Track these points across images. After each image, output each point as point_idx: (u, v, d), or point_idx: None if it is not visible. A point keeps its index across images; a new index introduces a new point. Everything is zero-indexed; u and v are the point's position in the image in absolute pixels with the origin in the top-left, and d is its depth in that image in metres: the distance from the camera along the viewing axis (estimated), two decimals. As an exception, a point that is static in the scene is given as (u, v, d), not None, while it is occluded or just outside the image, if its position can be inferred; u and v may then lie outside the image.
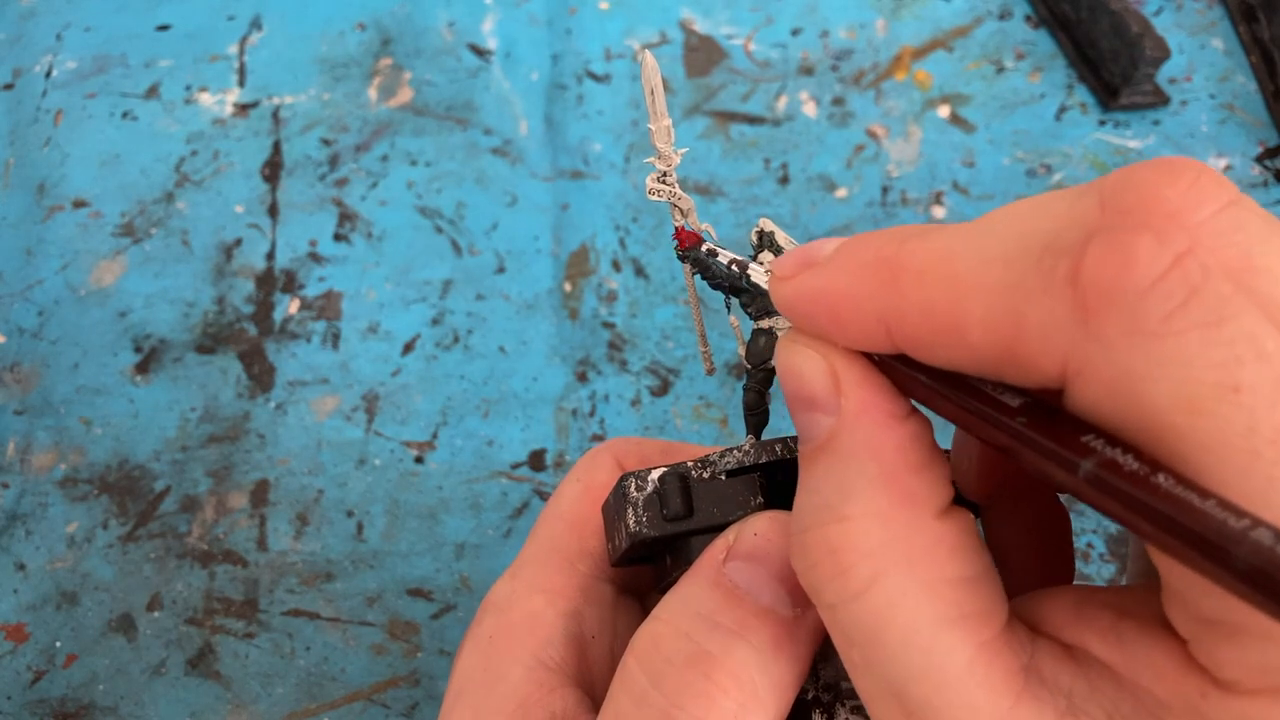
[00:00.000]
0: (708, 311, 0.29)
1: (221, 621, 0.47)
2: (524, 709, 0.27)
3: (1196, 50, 0.61)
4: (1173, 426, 0.15)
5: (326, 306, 0.55)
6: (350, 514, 0.49)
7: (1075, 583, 0.46)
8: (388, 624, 0.47)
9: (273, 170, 0.59)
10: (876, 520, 0.20)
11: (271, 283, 0.56)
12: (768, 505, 0.25)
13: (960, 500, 0.21)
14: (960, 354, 0.19)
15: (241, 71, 0.63)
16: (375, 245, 0.57)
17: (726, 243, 0.29)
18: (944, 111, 0.60)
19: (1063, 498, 0.27)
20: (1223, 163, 0.57)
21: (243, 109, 0.62)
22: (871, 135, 0.60)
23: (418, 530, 0.49)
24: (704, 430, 0.51)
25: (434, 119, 0.61)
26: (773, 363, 0.28)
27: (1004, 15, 0.64)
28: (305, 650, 0.46)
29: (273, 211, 0.58)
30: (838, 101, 0.61)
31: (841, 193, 0.58)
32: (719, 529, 0.25)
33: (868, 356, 0.21)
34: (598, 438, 0.51)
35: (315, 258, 0.57)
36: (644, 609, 0.33)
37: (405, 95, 0.62)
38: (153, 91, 0.62)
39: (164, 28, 0.65)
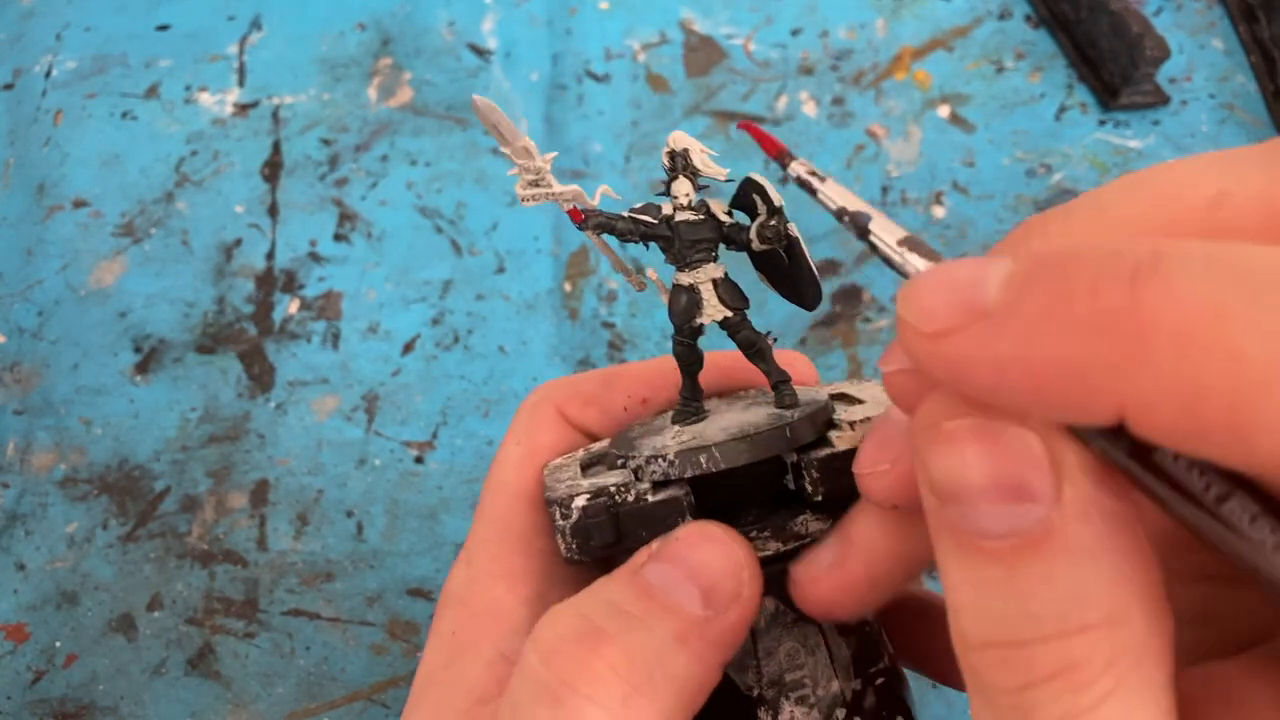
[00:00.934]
0: (620, 249, 0.28)
1: (221, 621, 0.47)
2: (483, 704, 0.26)
3: (1196, 50, 0.61)
4: None
5: (326, 306, 0.55)
6: (350, 514, 0.49)
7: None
8: (388, 624, 0.47)
9: (273, 170, 0.59)
10: (1116, 627, 0.17)
11: (271, 283, 0.56)
12: (714, 515, 0.25)
13: None
14: (1235, 459, 0.14)
15: (241, 71, 0.63)
16: (375, 245, 0.57)
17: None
18: (944, 111, 0.60)
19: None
20: (1223, 163, 0.57)
21: (243, 109, 0.62)
22: (871, 135, 0.60)
23: (418, 530, 0.49)
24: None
25: (434, 119, 0.61)
26: (699, 321, 0.27)
27: (1004, 15, 0.64)
28: (305, 650, 0.46)
29: (273, 211, 0.58)
30: (838, 101, 0.61)
31: (841, 193, 0.58)
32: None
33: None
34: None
35: (315, 258, 0.57)
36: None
37: (405, 95, 0.62)
38: (153, 91, 0.62)
39: (164, 28, 0.65)
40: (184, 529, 0.49)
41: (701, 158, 0.27)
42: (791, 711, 0.25)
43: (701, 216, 0.27)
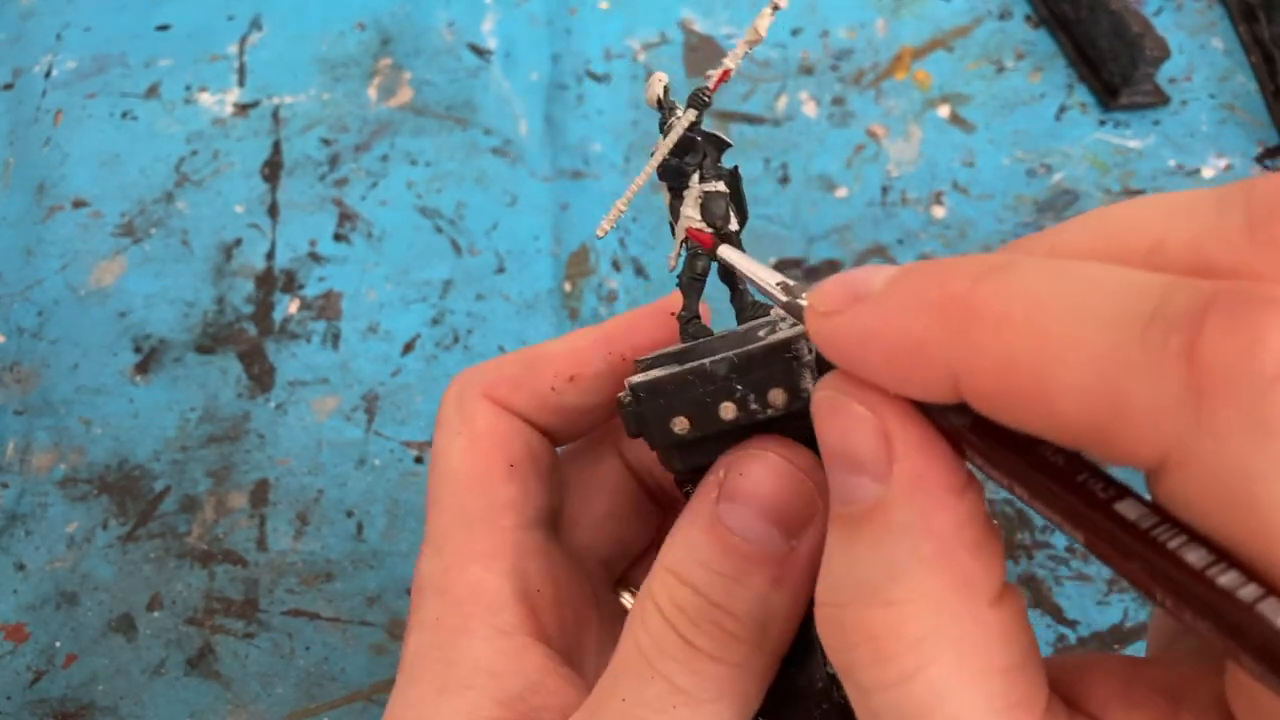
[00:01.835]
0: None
1: (221, 621, 0.47)
2: (496, 679, 0.27)
3: (1196, 50, 0.61)
4: None
5: (326, 306, 0.55)
6: (350, 514, 0.49)
7: (1072, 579, 0.46)
8: (388, 624, 0.47)
9: (273, 170, 0.59)
10: (927, 607, 0.18)
11: (271, 283, 0.56)
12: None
13: None
14: (1041, 420, 0.16)
15: (241, 71, 0.63)
16: (375, 245, 0.57)
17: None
18: (944, 111, 0.60)
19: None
20: (1223, 163, 0.57)
21: (243, 109, 0.62)
22: (871, 135, 0.60)
23: (417, 530, 0.49)
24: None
25: (434, 119, 0.61)
26: (730, 227, 0.28)
27: (1004, 15, 0.64)
28: (305, 650, 0.46)
29: (273, 211, 0.58)
30: (838, 101, 0.61)
31: (841, 192, 0.58)
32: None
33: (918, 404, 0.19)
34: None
35: (315, 258, 0.57)
36: (570, 545, 0.32)
37: (405, 95, 0.62)
38: (153, 91, 0.62)
39: (164, 28, 0.65)
40: (184, 529, 0.49)
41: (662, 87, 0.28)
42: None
43: (715, 133, 0.29)
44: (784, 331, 0.25)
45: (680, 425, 0.25)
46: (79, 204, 0.58)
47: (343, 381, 0.53)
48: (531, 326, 0.54)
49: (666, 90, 0.28)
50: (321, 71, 0.63)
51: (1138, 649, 0.45)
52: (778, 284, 0.23)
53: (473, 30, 0.64)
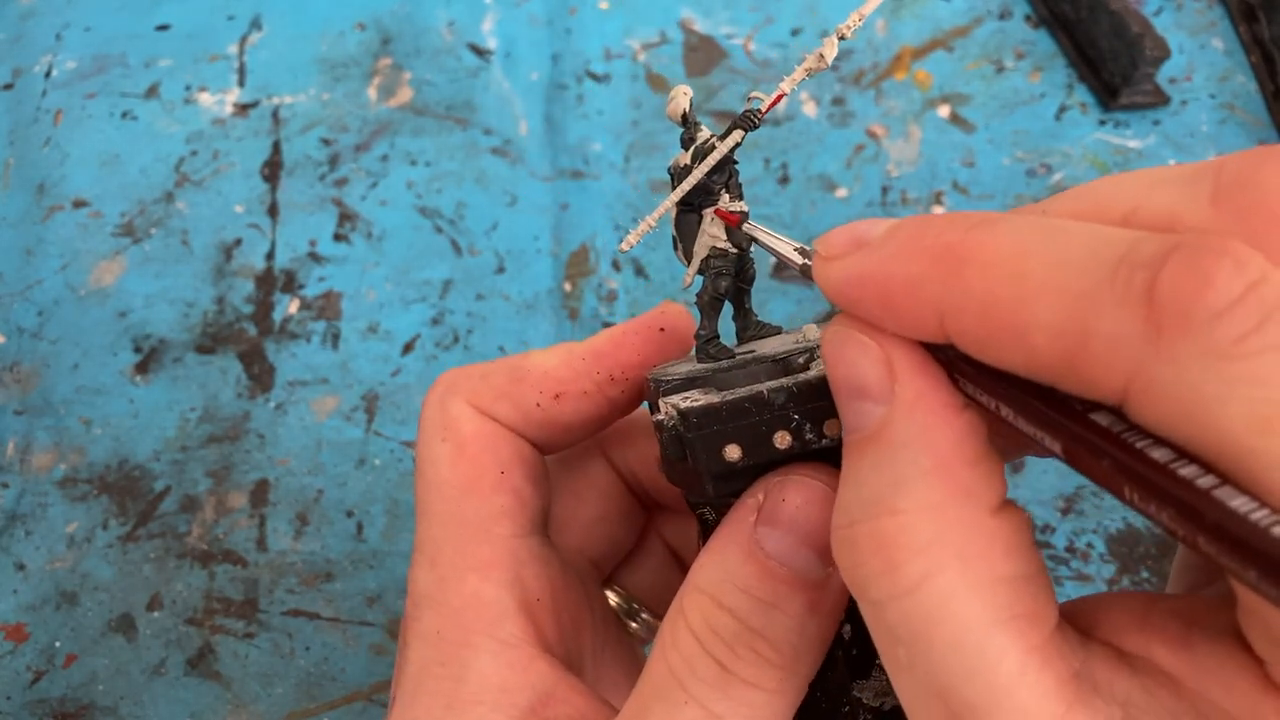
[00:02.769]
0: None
1: (221, 621, 0.47)
2: (506, 692, 0.27)
3: (1196, 50, 0.61)
4: (1243, 447, 0.15)
5: (326, 306, 0.55)
6: (350, 514, 0.49)
7: (1072, 579, 0.46)
8: (388, 624, 0.47)
9: (273, 170, 0.59)
10: (930, 515, 0.19)
11: (271, 283, 0.56)
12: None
13: None
14: (1018, 356, 0.18)
15: (241, 71, 0.63)
16: (375, 245, 0.57)
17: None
18: (944, 111, 0.60)
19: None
20: (1223, 163, 0.57)
21: (243, 109, 0.62)
22: (871, 135, 0.60)
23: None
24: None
25: (434, 119, 0.61)
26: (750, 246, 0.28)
27: (1004, 15, 0.64)
28: (305, 650, 0.46)
29: (272, 211, 0.58)
30: (838, 101, 0.61)
31: (841, 192, 0.58)
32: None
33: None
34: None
35: (315, 258, 0.57)
36: (561, 548, 0.32)
37: (405, 95, 0.62)
38: (153, 91, 0.62)
39: (164, 28, 0.65)
40: (184, 529, 0.49)
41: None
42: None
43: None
44: None
45: (733, 453, 0.25)
46: (79, 204, 0.58)
47: (343, 381, 0.53)
48: (531, 326, 0.54)
49: (692, 104, 0.28)
50: (321, 71, 0.63)
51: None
52: (795, 249, 0.25)
53: (473, 30, 0.64)
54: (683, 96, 0.28)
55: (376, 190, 0.59)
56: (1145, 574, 0.47)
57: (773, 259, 0.31)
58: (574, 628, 0.31)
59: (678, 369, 0.28)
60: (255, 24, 0.65)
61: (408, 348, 0.54)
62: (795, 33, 0.64)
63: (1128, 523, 0.48)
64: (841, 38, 0.25)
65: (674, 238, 0.29)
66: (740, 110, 0.28)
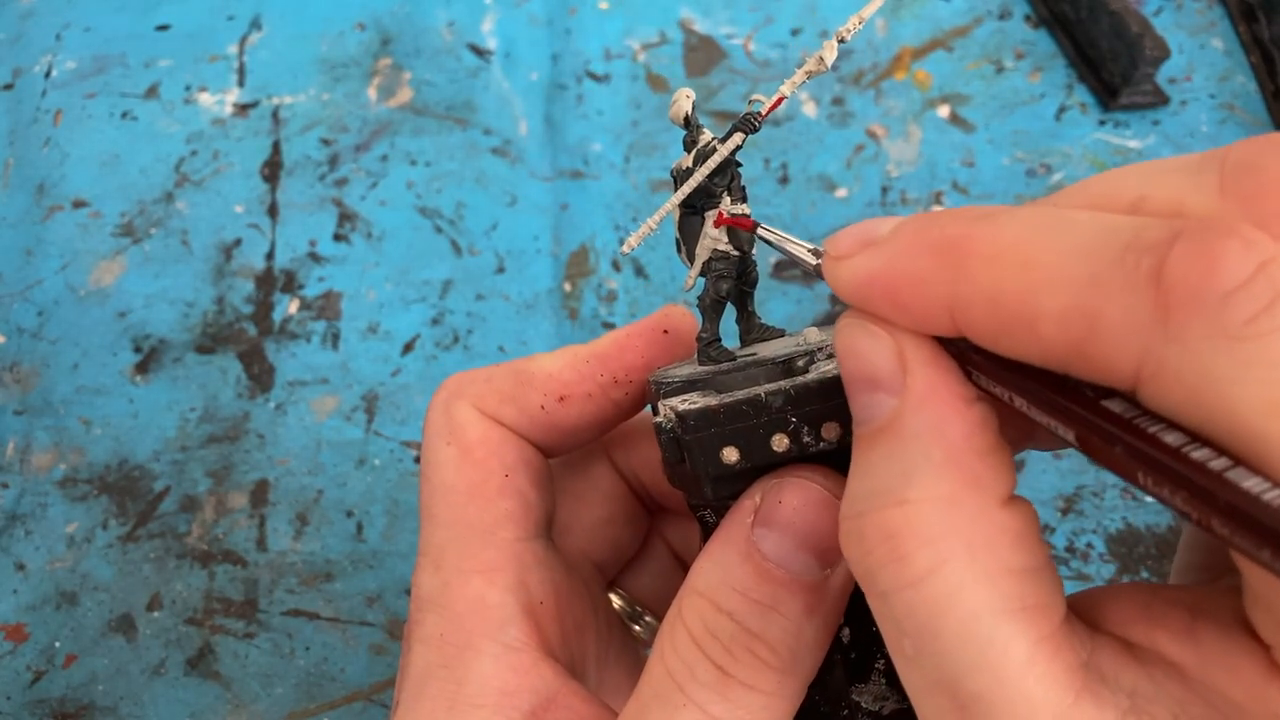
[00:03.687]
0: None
1: (221, 621, 0.47)
2: (508, 695, 0.27)
3: (1196, 50, 0.61)
4: (1256, 429, 0.15)
5: (326, 306, 0.55)
6: (350, 514, 0.49)
7: (1072, 579, 0.46)
8: (387, 624, 0.47)
9: (272, 170, 0.59)
10: (940, 505, 0.19)
11: (271, 283, 0.56)
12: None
13: None
14: (1028, 345, 0.18)
15: (241, 71, 0.63)
16: (375, 245, 0.57)
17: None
18: (944, 111, 0.60)
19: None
20: (1223, 163, 0.57)
21: (242, 109, 0.62)
22: (871, 135, 0.60)
23: (417, 530, 0.49)
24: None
25: (434, 119, 0.61)
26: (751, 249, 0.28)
27: (1004, 15, 0.64)
28: (305, 650, 0.46)
29: (272, 211, 0.58)
30: (837, 101, 0.61)
31: (841, 193, 0.58)
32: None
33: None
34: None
35: (315, 258, 0.57)
36: (565, 551, 0.32)
37: (405, 95, 0.62)
38: (152, 91, 0.62)
39: (164, 28, 0.65)
40: (184, 529, 0.49)
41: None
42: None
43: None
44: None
45: (731, 455, 0.25)
46: (79, 204, 0.58)
47: (343, 381, 0.53)
48: (531, 326, 0.54)
49: (694, 107, 0.28)
50: (321, 71, 0.63)
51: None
52: (810, 250, 0.25)
53: (473, 30, 0.64)
54: (685, 100, 0.28)
55: (376, 190, 0.59)
56: (1145, 574, 0.47)
57: (773, 260, 0.31)
58: (577, 632, 0.31)
59: (679, 371, 0.28)
60: (255, 24, 0.65)
61: (408, 348, 0.54)
62: (795, 33, 0.64)
63: (1128, 523, 0.48)
64: (841, 40, 0.25)
65: (677, 240, 0.29)
66: (741, 112, 0.28)
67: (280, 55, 0.64)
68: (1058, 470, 0.49)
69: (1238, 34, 0.62)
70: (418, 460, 0.51)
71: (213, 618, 0.47)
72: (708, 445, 0.25)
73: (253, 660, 0.46)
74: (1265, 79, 0.60)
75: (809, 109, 0.61)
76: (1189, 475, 0.16)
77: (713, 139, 0.28)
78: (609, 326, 0.54)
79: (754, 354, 0.28)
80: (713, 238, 0.28)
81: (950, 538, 0.19)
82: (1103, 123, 0.59)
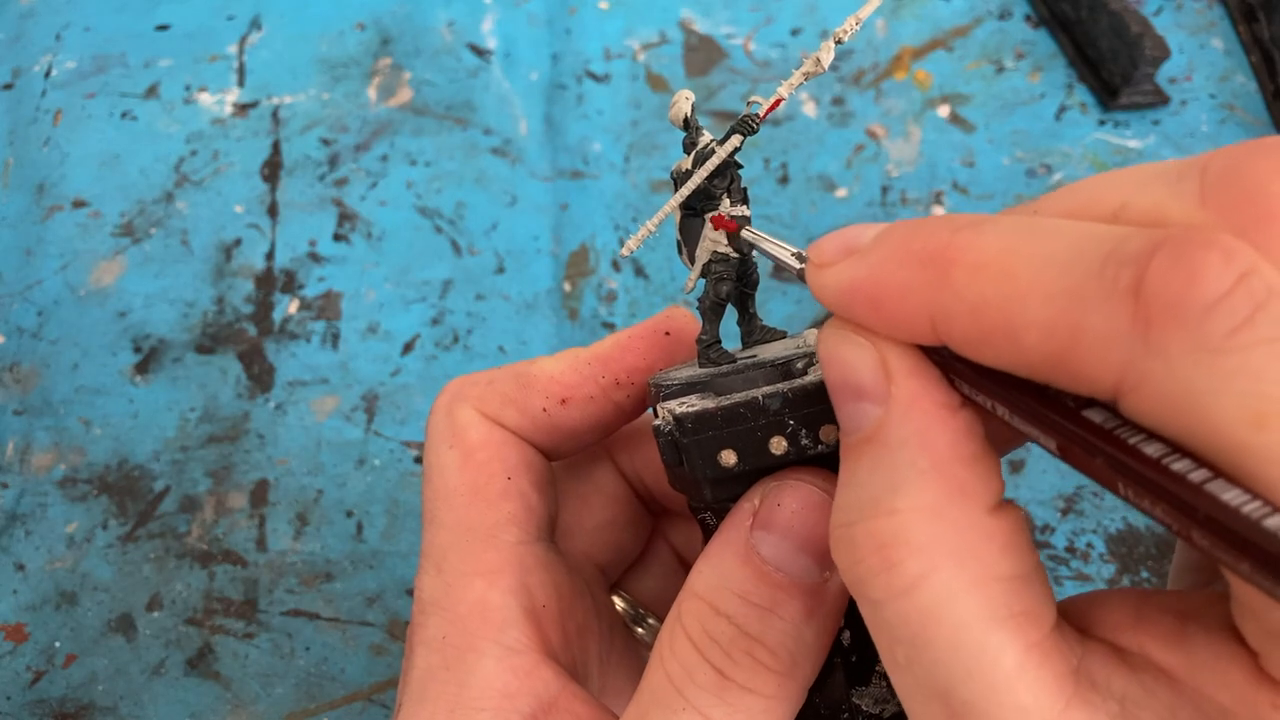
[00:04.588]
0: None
1: (221, 621, 0.47)
2: (509, 698, 0.27)
3: (1196, 50, 0.61)
4: (1237, 441, 0.15)
5: (326, 306, 0.55)
6: (350, 514, 0.49)
7: (1072, 579, 0.46)
8: (387, 624, 0.47)
9: (272, 170, 0.59)
10: (927, 514, 0.19)
11: (271, 283, 0.56)
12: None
13: None
14: (1010, 355, 0.18)
15: (241, 71, 0.63)
16: (375, 245, 0.57)
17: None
18: (944, 111, 0.60)
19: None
20: (1223, 163, 0.57)
21: (242, 109, 0.62)
22: (871, 135, 0.60)
23: (417, 530, 0.49)
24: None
25: (434, 119, 0.61)
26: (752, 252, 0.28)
27: (1004, 15, 0.64)
28: (305, 650, 0.46)
29: (272, 211, 0.58)
30: (837, 101, 0.61)
31: (841, 192, 0.58)
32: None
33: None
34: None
35: (315, 258, 0.57)
36: (568, 554, 0.32)
37: (405, 95, 0.62)
38: (152, 91, 0.62)
39: (164, 28, 0.65)
40: (184, 529, 0.49)
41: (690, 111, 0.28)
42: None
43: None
44: None
45: (729, 458, 0.25)
46: (79, 204, 0.58)
47: (343, 381, 0.53)
48: (531, 326, 0.54)
49: (694, 109, 0.28)
50: (321, 71, 0.63)
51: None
52: (793, 254, 0.25)
53: (473, 30, 0.64)
54: (684, 101, 0.28)
55: (376, 190, 0.59)
56: (1145, 574, 0.47)
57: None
58: (579, 634, 0.31)
59: (679, 374, 0.28)
60: (255, 24, 0.65)
61: (407, 348, 0.54)
62: (795, 33, 0.64)
63: (1128, 523, 0.48)
64: (838, 42, 0.25)
65: (678, 241, 0.29)
66: (740, 112, 0.28)
67: (280, 55, 0.63)
68: (1058, 470, 0.49)
69: (1238, 34, 0.62)
70: (417, 460, 0.51)
71: (213, 618, 0.47)
72: (705, 448, 0.25)
73: (253, 660, 0.46)
74: (1265, 79, 0.60)
75: (809, 109, 0.61)
76: (1169, 487, 0.16)
77: (711, 140, 0.28)
78: (609, 326, 0.54)
79: (754, 356, 0.28)
80: (712, 240, 0.28)
81: (938, 546, 0.19)
82: (1103, 123, 0.59)
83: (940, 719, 0.19)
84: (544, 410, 0.30)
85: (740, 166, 0.28)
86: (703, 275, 0.28)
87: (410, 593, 0.47)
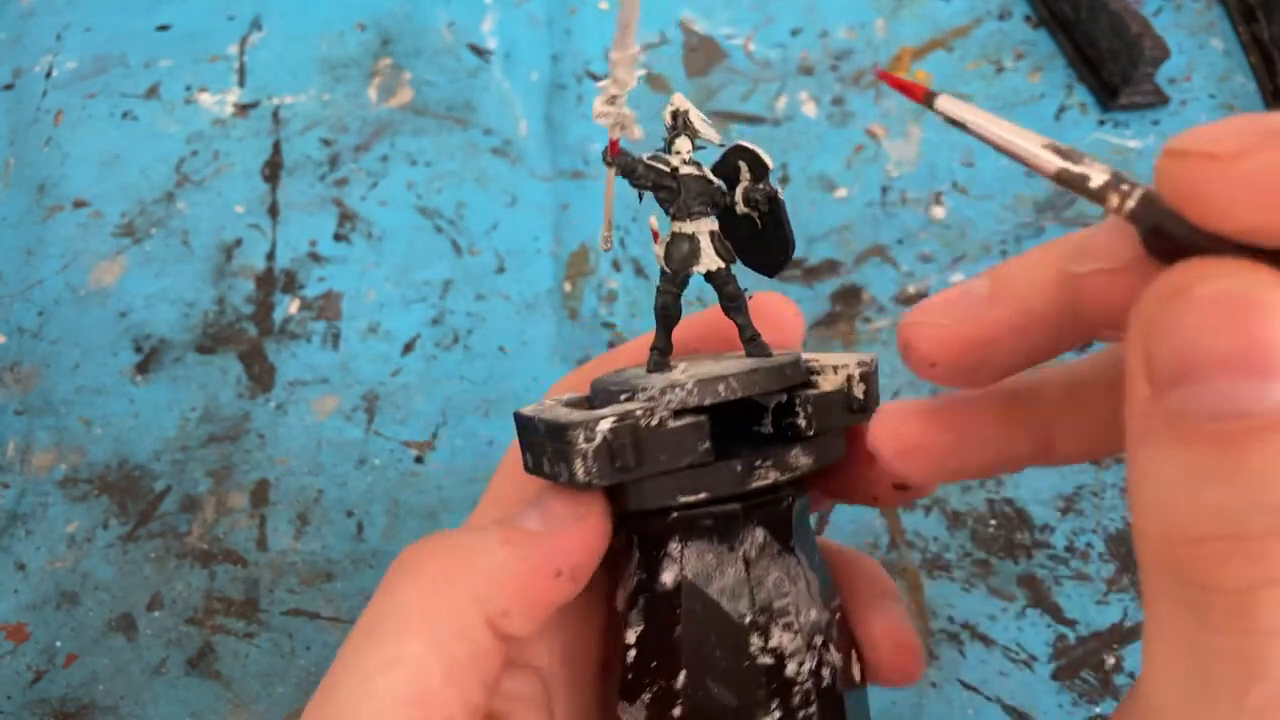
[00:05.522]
0: (619, 204, 0.29)
1: (221, 621, 0.47)
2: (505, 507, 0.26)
3: (1196, 50, 0.61)
4: None
5: (326, 306, 0.55)
6: (350, 514, 0.49)
7: (1072, 579, 0.46)
8: (388, 624, 0.47)
9: (273, 170, 0.59)
10: None
11: (271, 283, 0.56)
12: (714, 449, 0.25)
13: None
14: None
15: (241, 71, 0.63)
16: (375, 245, 0.57)
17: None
18: (944, 111, 0.60)
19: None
20: (1222, 163, 0.57)
21: (243, 109, 0.62)
22: (871, 135, 0.60)
23: (417, 530, 0.49)
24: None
25: (434, 119, 0.61)
26: (695, 270, 0.28)
27: (1004, 15, 0.64)
28: (305, 650, 0.46)
29: (273, 211, 0.58)
30: (837, 101, 0.61)
31: (841, 193, 0.58)
32: (666, 474, 0.25)
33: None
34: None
35: (315, 258, 0.57)
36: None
37: (405, 95, 0.62)
38: (153, 91, 0.62)
39: (164, 28, 0.65)
40: (184, 529, 0.49)
41: (699, 120, 0.28)
42: (780, 636, 0.26)
43: (699, 173, 0.28)
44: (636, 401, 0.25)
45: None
46: (79, 204, 0.58)
47: (343, 381, 0.53)
48: (532, 326, 0.54)
49: (684, 114, 0.28)
50: (321, 72, 0.63)
51: (1135, 649, 0.45)
52: (1045, 145, 0.18)
53: (473, 30, 0.64)
54: (682, 103, 0.29)
55: (376, 190, 0.59)
56: (1145, 574, 0.47)
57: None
58: None
59: (626, 375, 0.28)
60: (255, 24, 0.65)
61: (408, 348, 0.54)
62: (795, 33, 0.64)
63: (1128, 522, 0.48)
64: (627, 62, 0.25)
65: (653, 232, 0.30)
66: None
67: (280, 55, 0.64)
68: (1058, 470, 0.49)
69: (1237, 34, 0.62)
70: (418, 460, 0.51)
71: (213, 617, 0.47)
72: (533, 451, 0.26)
73: (253, 660, 0.46)
74: (1265, 79, 0.60)
75: (809, 109, 0.61)
76: None
77: (687, 152, 0.28)
78: (609, 327, 0.54)
79: (680, 369, 0.28)
80: (655, 251, 0.28)
81: None
82: (1102, 123, 0.59)
83: None
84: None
85: (765, 166, 0.28)
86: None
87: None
